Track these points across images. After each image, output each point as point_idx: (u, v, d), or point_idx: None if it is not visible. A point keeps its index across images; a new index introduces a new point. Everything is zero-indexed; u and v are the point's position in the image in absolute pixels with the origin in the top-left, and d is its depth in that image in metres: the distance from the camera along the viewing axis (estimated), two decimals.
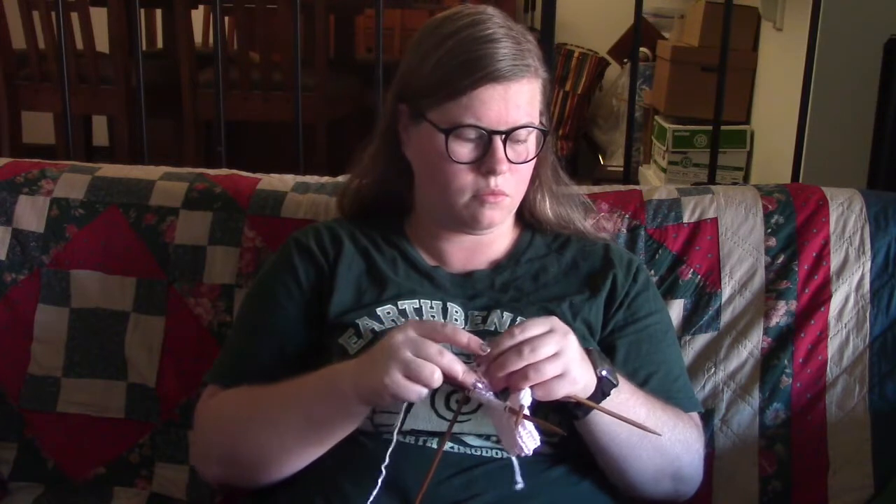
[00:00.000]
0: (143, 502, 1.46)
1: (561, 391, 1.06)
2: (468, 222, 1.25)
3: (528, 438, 1.04)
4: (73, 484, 1.48)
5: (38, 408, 1.50)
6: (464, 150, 1.20)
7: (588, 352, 1.11)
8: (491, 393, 1.06)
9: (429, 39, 1.23)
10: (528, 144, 1.23)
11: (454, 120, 1.20)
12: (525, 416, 1.03)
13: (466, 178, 1.21)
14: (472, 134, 1.20)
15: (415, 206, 1.34)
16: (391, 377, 1.03)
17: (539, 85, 1.23)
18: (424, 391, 1.03)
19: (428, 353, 1.03)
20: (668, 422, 1.19)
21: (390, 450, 1.08)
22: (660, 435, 1.15)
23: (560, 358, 1.04)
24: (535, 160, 1.25)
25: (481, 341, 1.06)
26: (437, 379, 1.03)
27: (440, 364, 1.03)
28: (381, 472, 1.08)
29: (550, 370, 1.04)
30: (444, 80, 1.20)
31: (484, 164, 1.20)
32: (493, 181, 1.21)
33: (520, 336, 1.05)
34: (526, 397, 1.05)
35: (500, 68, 1.18)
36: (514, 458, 1.07)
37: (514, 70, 1.19)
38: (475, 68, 1.18)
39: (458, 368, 1.04)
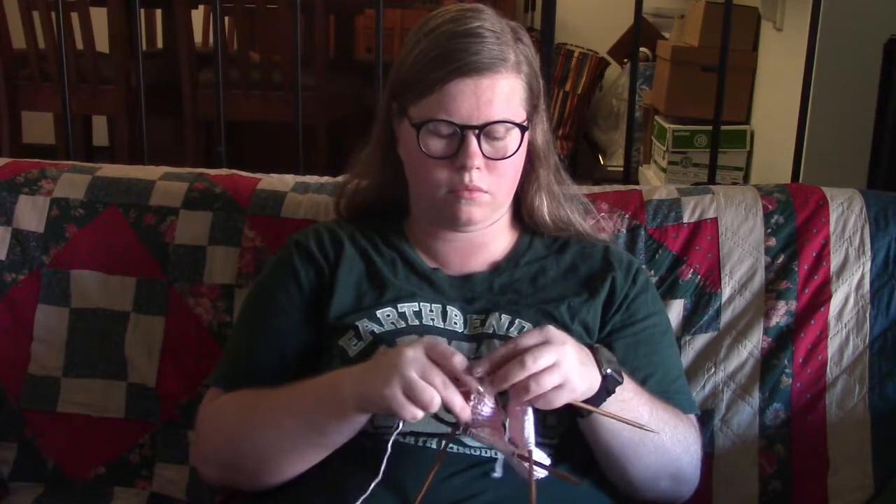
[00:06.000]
0: (143, 502, 1.46)
1: (560, 401, 1.05)
2: (448, 219, 1.25)
3: (538, 467, 1.05)
4: (73, 484, 1.48)
5: (38, 408, 1.50)
6: (438, 146, 1.20)
7: (592, 349, 1.11)
8: (489, 429, 1.06)
9: (414, 36, 1.24)
10: (508, 141, 1.21)
11: (426, 114, 1.19)
12: (538, 464, 1.04)
13: (441, 174, 1.21)
14: (445, 129, 1.19)
15: (411, 206, 1.34)
16: (391, 390, 1.02)
17: (521, 82, 1.22)
18: (420, 414, 1.03)
19: (433, 380, 1.03)
20: (668, 422, 1.20)
21: (385, 458, 1.08)
22: (659, 434, 1.15)
23: (558, 368, 1.04)
24: (515, 158, 1.23)
25: (479, 387, 1.05)
26: (435, 405, 1.02)
27: (442, 394, 1.02)
28: (377, 475, 1.08)
29: (550, 381, 1.03)
30: (420, 75, 1.20)
31: (457, 159, 1.19)
32: (466, 176, 1.20)
33: (516, 348, 1.05)
34: (530, 433, 1.05)
35: (470, 62, 1.17)
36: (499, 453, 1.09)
37: (486, 64, 1.17)
38: (446, 62, 1.17)
39: (458, 402, 1.03)
